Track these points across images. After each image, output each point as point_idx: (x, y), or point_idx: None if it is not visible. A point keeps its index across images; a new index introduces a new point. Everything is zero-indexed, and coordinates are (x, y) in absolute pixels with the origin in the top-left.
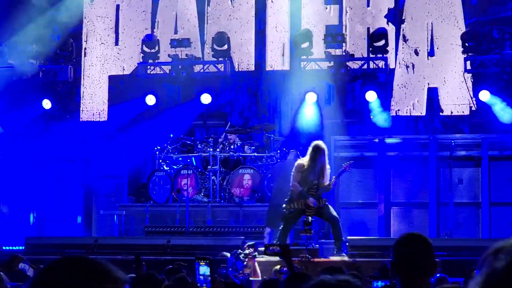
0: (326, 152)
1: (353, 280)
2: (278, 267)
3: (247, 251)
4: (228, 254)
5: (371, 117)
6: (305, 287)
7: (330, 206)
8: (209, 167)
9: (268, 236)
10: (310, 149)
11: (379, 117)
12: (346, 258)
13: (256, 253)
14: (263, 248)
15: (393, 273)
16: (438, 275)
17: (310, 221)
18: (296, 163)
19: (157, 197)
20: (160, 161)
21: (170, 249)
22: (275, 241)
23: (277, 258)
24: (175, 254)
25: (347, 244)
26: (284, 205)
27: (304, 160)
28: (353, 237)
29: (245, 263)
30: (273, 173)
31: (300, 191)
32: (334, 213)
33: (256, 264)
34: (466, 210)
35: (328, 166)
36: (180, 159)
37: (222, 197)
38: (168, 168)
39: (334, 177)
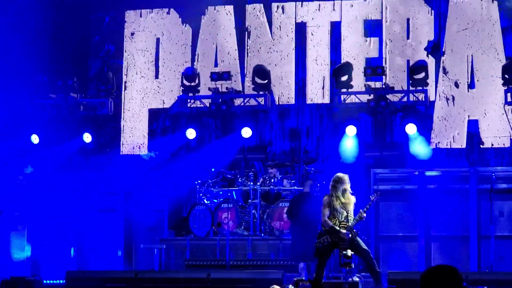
0: (347, 181)
1: None
2: None
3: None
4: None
5: (411, 149)
6: None
7: (359, 239)
8: (249, 200)
9: (304, 272)
10: (331, 182)
11: (419, 150)
12: None
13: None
14: None
15: None
16: None
17: (350, 254)
18: (323, 199)
19: (198, 231)
20: (201, 194)
21: (211, 282)
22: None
23: None
24: None
25: (387, 277)
26: (316, 240)
27: (329, 194)
28: (393, 270)
29: None
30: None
31: (331, 226)
32: (364, 246)
33: None
34: (507, 244)
35: (352, 196)
36: (221, 192)
37: (262, 231)
38: (208, 201)
39: (362, 210)
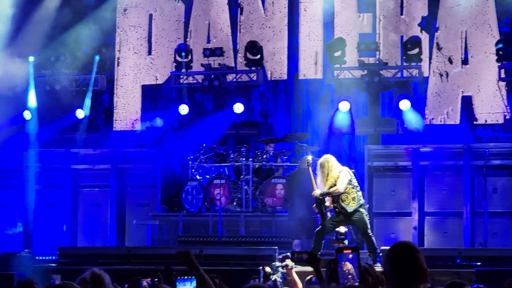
0: (326, 163)
1: None
2: (308, 277)
3: (285, 263)
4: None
5: (405, 126)
6: None
7: (364, 219)
8: (241, 176)
9: (297, 248)
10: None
11: (413, 126)
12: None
13: (293, 263)
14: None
15: (385, 282)
16: (475, 285)
17: (343, 231)
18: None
19: (190, 207)
20: (193, 170)
21: (203, 259)
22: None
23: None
24: (208, 264)
25: (380, 254)
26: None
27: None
28: (386, 247)
29: (286, 275)
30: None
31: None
32: (367, 227)
33: (295, 275)
34: (500, 220)
35: (333, 175)
36: (213, 168)
37: (254, 207)
38: (201, 177)
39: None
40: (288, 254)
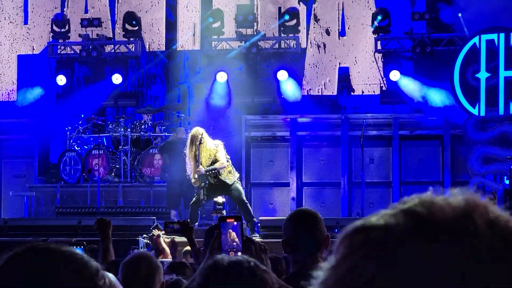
0: (201, 135)
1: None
2: (187, 248)
3: (152, 233)
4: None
5: (283, 96)
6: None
7: (239, 189)
8: (120, 147)
9: (175, 218)
10: None
11: (291, 96)
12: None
13: (160, 233)
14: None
15: (285, 250)
16: None
17: (221, 201)
18: None
19: (68, 178)
20: (71, 141)
21: (82, 229)
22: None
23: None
24: (86, 235)
25: (258, 224)
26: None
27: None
28: (264, 217)
29: (151, 245)
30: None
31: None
32: (243, 196)
33: (163, 243)
34: (377, 190)
35: (209, 148)
36: (91, 139)
37: (133, 177)
38: (79, 148)
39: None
40: (158, 224)
